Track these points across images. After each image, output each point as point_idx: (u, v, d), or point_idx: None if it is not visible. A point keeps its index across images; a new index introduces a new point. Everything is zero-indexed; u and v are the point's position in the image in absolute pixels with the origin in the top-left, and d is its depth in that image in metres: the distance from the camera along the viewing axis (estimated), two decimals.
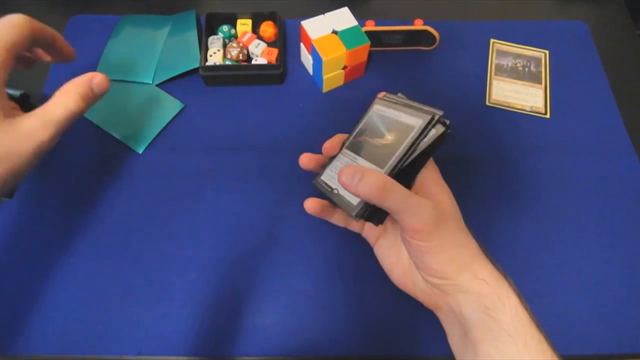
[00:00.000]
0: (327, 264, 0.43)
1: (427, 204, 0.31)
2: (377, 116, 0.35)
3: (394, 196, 0.30)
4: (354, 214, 0.33)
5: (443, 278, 0.32)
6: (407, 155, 0.31)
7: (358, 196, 0.31)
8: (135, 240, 0.44)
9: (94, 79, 0.36)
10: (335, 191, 0.35)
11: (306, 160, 0.38)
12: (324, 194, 0.36)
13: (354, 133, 0.37)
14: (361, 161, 0.34)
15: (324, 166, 0.38)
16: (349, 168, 0.31)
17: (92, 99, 0.36)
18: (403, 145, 0.31)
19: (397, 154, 0.31)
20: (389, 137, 0.33)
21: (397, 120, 0.33)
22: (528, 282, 0.42)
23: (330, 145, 0.37)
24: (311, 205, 0.38)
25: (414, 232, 0.31)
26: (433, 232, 0.31)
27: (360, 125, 0.36)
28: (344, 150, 0.37)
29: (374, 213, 0.34)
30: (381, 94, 0.37)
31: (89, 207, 0.45)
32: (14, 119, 0.32)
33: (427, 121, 0.31)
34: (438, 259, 0.32)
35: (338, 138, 0.38)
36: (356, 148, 0.35)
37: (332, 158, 0.37)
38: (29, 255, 0.43)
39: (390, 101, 0.35)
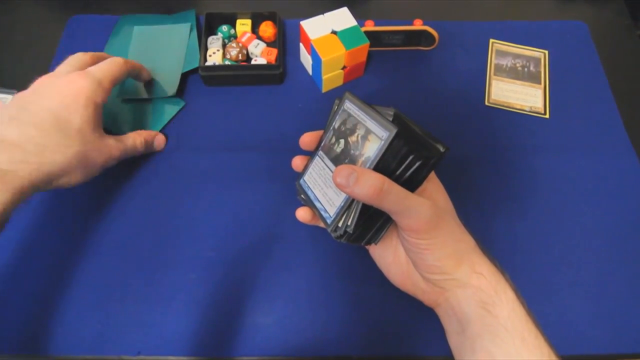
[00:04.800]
0: (327, 264, 0.43)
1: (424, 203, 0.30)
2: (348, 115, 0.33)
3: (392, 197, 0.29)
4: (335, 235, 0.33)
5: (442, 273, 0.32)
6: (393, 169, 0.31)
7: (355, 197, 0.30)
8: (135, 240, 0.44)
9: (157, 137, 0.48)
10: (317, 205, 0.35)
11: (299, 162, 0.39)
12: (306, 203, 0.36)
13: (330, 134, 0.35)
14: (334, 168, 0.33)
15: (306, 166, 0.37)
16: (344, 168, 0.30)
17: (149, 148, 0.47)
18: (373, 157, 0.30)
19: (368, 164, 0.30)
20: (360, 143, 0.31)
21: (366, 127, 0.31)
22: (528, 282, 0.42)
23: (309, 138, 0.37)
24: (302, 214, 0.38)
25: (413, 232, 0.31)
26: (432, 230, 0.31)
27: (335, 125, 0.34)
28: (320, 153, 0.35)
29: (361, 234, 0.34)
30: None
31: (89, 207, 0.45)
32: (102, 135, 0.41)
33: (393, 135, 0.29)
34: (437, 256, 0.32)
35: (317, 134, 0.37)
36: (331, 153, 0.34)
37: (312, 156, 0.37)
38: (28, 256, 0.43)
39: (357, 101, 0.33)
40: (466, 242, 0.33)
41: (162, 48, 0.54)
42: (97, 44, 0.55)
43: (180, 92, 0.52)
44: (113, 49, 0.55)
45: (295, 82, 0.54)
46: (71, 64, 0.41)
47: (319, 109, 0.52)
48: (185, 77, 0.53)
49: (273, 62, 0.53)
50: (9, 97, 0.47)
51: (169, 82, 0.51)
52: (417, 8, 0.61)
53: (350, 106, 0.33)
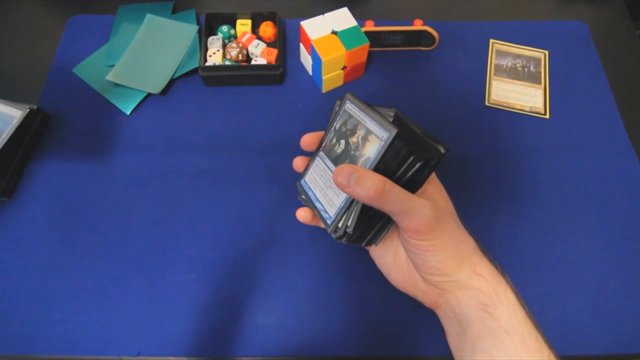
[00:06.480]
0: (327, 264, 0.43)
1: (425, 205, 0.30)
2: (348, 116, 0.33)
3: (393, 198, 0.29)
4: (335, 235, 0.33)
5: (443, 275, 0.32)
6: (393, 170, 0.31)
7: (355, 198, 0.30)
8: (135, 240, 0.44)
9: None
10: (318, 206, 0.34)
11: (300, 162, 0.38)
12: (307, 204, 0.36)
13: (331, 134, 0.35)
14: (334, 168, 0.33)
15: (307, 167, 0.37)
16: (345, 168, 0.29)
17: None
18: (372, 158, 0.30)
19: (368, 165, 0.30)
20: (361, 144, 0.31)
21: (366, 127, 0.31)
22: (528, 282, 0.42)
23: (310, 139, 0.36)
24: (302, 214, 0.38)
25: (414, 233, 0.31)
26: (433, 231, 0.31)
27: (336, 125, 0.34)
28: (321, 153, 0.35)
29: (362, 235, 0.34)
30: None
31: (89, 207, 0.45)
32: None
33: (393, 136, 0.29)
34: (438, 257, 0.31)
35: (318, 135, 0.36)
36: (332, 154, 0.34)
37: (313, 157, 0.36)
38: (28, 256, 0.43)
39: (357, 102, 0.32)
40: (467, 243, 0.33)
41: (166, 42, 0.54)
42: (97, 44, 0.55)
43: (181, 92, 0.52)
44: (119, 35, 0.55)
45: (295, 82, 0.54)
46: None
47: (319, 109, 0.52)
48: (185, 77, 0.53)
49: (273, 62, 0.53)
50: (16, 113, 0.46)
51: (159, 80, 0.52)
52: (417, 8, 0.61)
53: (351, 107, 0.33)
